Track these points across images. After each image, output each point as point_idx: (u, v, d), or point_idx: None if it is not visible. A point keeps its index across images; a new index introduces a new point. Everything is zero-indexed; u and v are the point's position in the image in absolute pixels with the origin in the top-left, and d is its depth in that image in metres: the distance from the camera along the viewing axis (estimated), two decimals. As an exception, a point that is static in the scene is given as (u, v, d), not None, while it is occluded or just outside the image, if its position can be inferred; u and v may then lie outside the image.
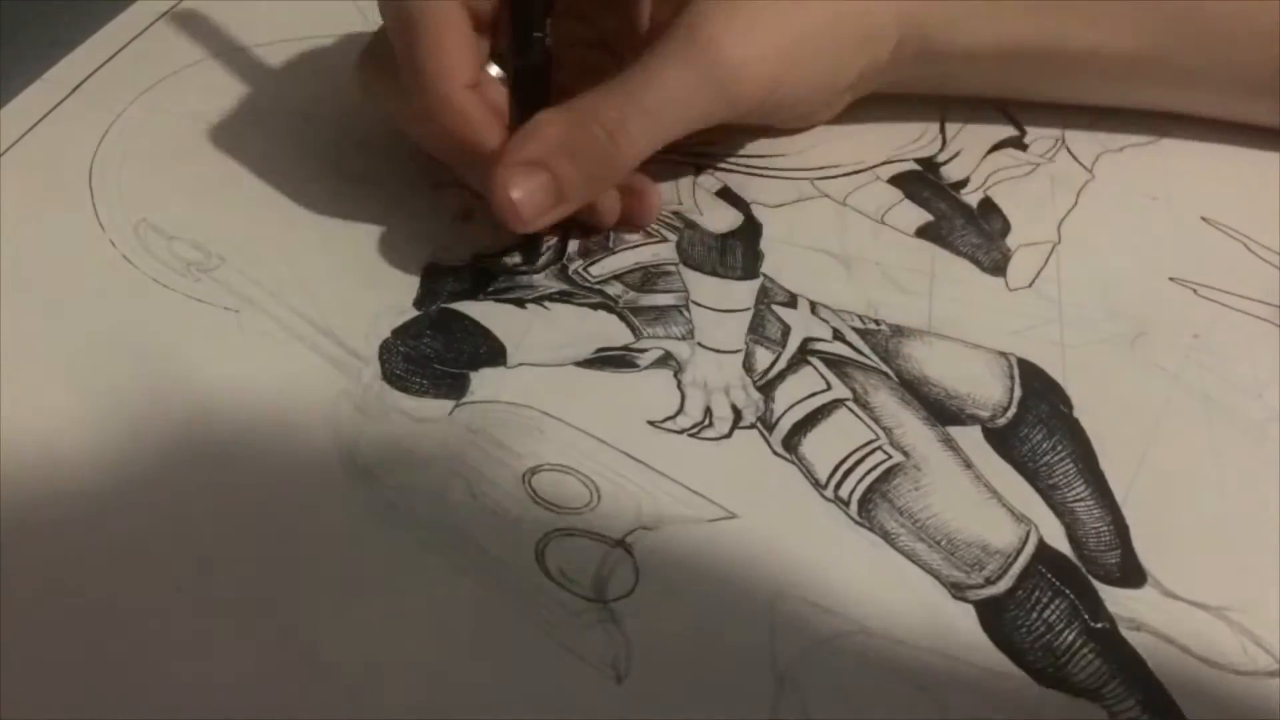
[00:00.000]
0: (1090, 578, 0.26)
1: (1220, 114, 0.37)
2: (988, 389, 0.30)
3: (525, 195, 0.28)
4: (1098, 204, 0.35)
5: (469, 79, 0.29)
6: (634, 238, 0.33)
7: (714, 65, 0.30)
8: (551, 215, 0.29)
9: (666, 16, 0.31)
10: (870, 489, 0.27)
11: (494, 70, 0.31)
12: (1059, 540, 0.27)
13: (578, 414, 0.29)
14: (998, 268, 0.33)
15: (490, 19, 0.30)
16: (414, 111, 0.30)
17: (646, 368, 0.30)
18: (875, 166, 0.36)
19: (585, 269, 0.32)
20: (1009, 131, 0.37)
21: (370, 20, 0.41)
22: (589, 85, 0.30)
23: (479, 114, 0.29)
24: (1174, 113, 0.37)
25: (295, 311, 0.31)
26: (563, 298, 0.32)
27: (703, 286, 0.32)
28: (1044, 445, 0.28)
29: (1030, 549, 0.26)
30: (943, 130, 0.37)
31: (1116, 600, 0.26)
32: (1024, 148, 0.37)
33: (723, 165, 0.36)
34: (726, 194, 0.35)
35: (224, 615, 0.25)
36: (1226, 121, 0.37)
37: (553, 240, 0.33)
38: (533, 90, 0.30)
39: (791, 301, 0.32)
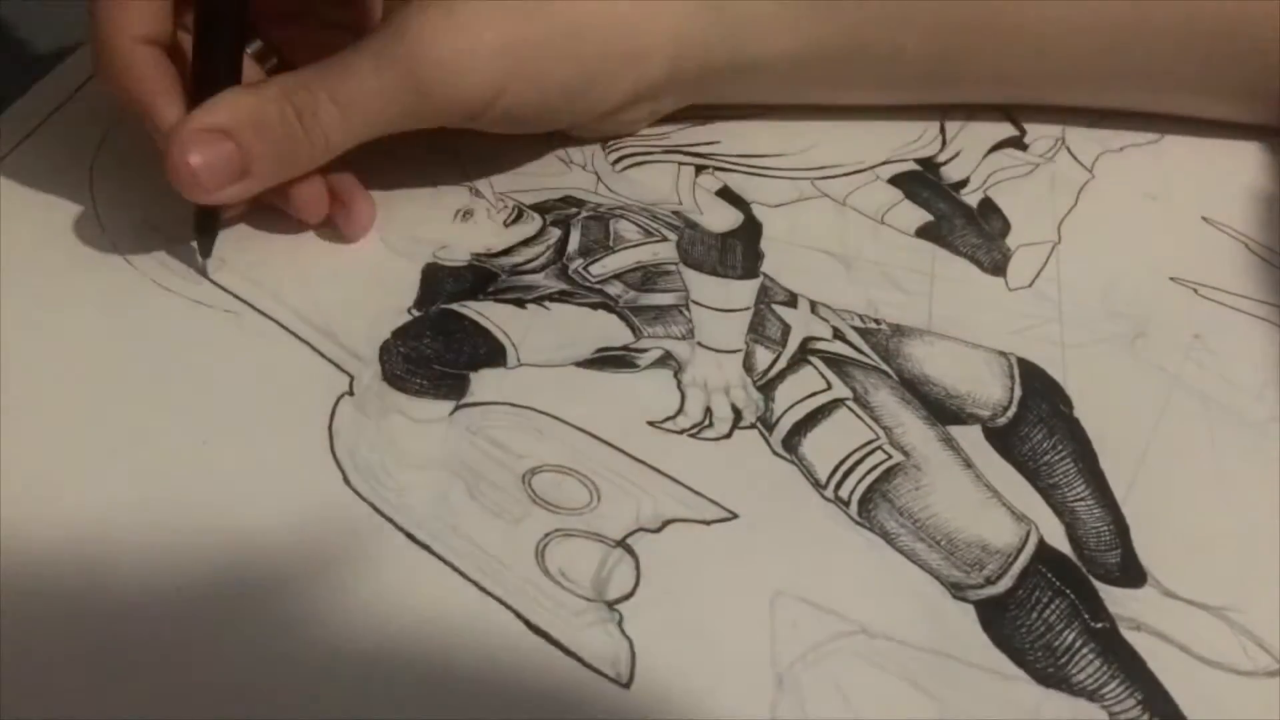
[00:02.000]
0: (1090, 577, 0.26)
1: (1048, 102, 0.36)
2: (988, 388, 0.30)
3: (206, 162, 0.28)
4: (1098, 204, 0.35)
5: (147, 32, 0.28)
6: (634, 236, 0.33)
7: (414, 66, 0.29)
8: (235, 190, 0.29)
9: (393, 9, 0.30)
10: (870, 489, 0.27)
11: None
12: (1059, 540, 0.27)
13: (578, 414, 0.29)
14: (998, 268, 0.33)
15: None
16: (92, 55, 0.29)
17: (646, 368, 0.30)
18: (875, 166, 0.36)
19: (585, 268, 0.32)
20: (1009, 131, 0.37)
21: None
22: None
23: (152, 73, 0.28)
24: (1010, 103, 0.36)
25: (295, 312, 0.31)
26: (562, 297, 0.32)
27: (703, 286, 0.32)
28: (1044, 445, 0.28)
29: (1030, 549, 0.26)
30: (943, 130, 0.37)
31: (1116, 600, 0.26)
32: (1024, 148, 0.37)
33: (723, 165, 0.36)
34: (726, 193, 0.35)
35: (224, 616, 0.25)
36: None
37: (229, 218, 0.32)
38: (220, 50, 0.29)
39: (791, 301, 0.32)
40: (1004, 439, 0.29)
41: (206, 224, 0.31)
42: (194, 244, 0.31)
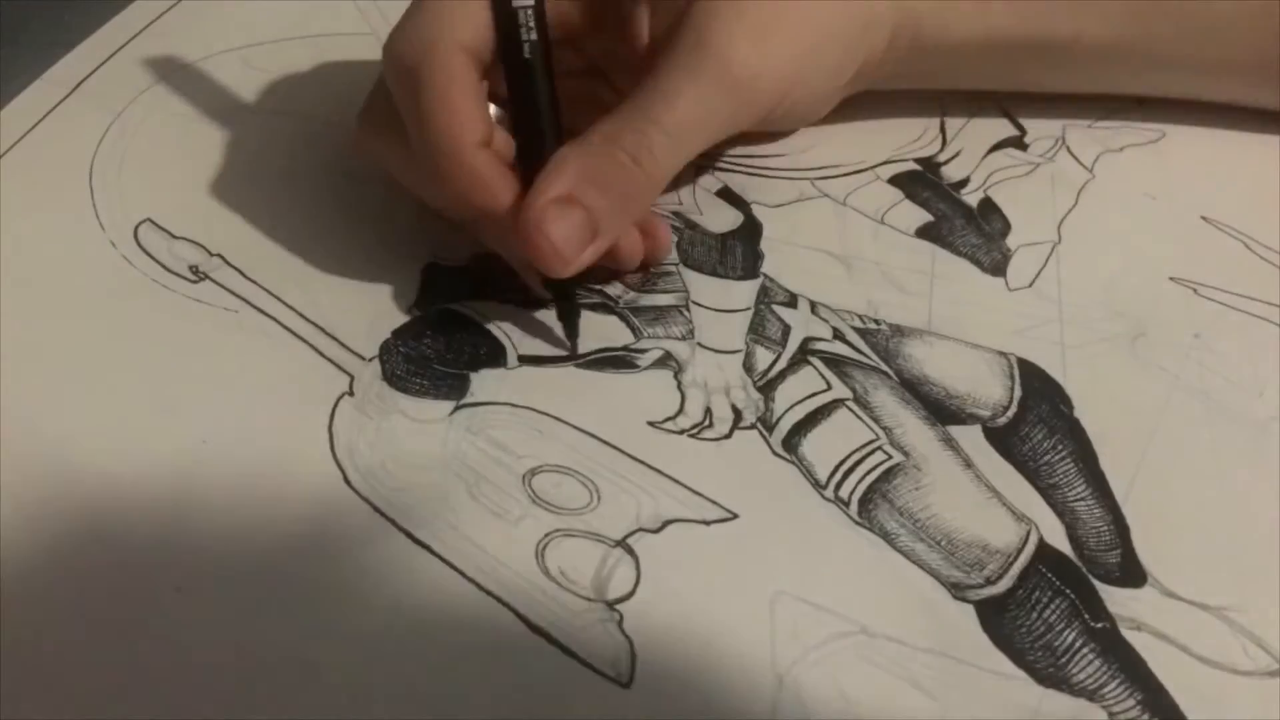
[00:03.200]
0: (1090, 577, 0.26)
1: (1207, 96, 0.37)
2: (988, 388, 0.30)
3: (562, 233, 0.27)
4: (1098, 204, 0.35)
5: (481, 137, 0.28)
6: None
7: (729, 77, 0.29)
8: (590, 252, 0.28)
9: (663, 29, 0.30)
10: (870, 489, 0.27)
11: (493, 109, 0.29)
12: (1059, 540, 0.27)
13: (578, 414, 0.29)
14: (998, 268, 0.33)
15: (493, 59, 0.28)
16: (424, 175, 0.29)
17: (646, 368, 0.30)
18: (875, 166, 0.36)
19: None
20: (1009, 131, 0.37)
21: (369, 18, 0.41)
22: (586, 117, 0.29)
23: (493, 173, 0.28)
24: (1160, 97, 0.37)
25: (295, 311, 0.31)
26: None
27: (703, 286, 0.32)
28: (1044, 445, 0.28)
29: (1030, 548, 0.26)
30: (943, 130, 0.37)
31: (1116, 600, 0.26)
32: (1024, 147, 0.37)
33: (723, 165, 0.36)
34: (726, 194, 0.35)
35: (223, 616, 0.25)
36: (1220, 106, 0.37)
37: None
38: (535, 112, 0.29)
39: (792, 301, 0.32)
40: (1004, 439, 0.29)
41: (569, 304, 0.30)
42: (559, 329, 0.30)
